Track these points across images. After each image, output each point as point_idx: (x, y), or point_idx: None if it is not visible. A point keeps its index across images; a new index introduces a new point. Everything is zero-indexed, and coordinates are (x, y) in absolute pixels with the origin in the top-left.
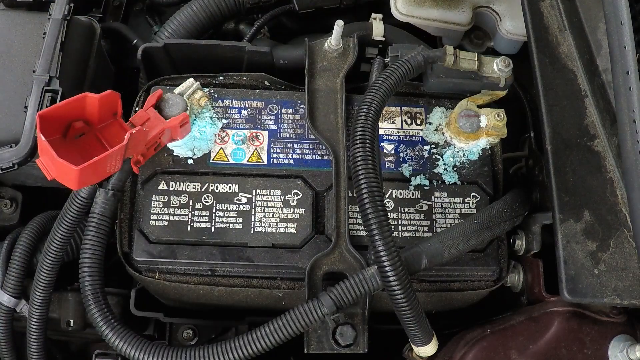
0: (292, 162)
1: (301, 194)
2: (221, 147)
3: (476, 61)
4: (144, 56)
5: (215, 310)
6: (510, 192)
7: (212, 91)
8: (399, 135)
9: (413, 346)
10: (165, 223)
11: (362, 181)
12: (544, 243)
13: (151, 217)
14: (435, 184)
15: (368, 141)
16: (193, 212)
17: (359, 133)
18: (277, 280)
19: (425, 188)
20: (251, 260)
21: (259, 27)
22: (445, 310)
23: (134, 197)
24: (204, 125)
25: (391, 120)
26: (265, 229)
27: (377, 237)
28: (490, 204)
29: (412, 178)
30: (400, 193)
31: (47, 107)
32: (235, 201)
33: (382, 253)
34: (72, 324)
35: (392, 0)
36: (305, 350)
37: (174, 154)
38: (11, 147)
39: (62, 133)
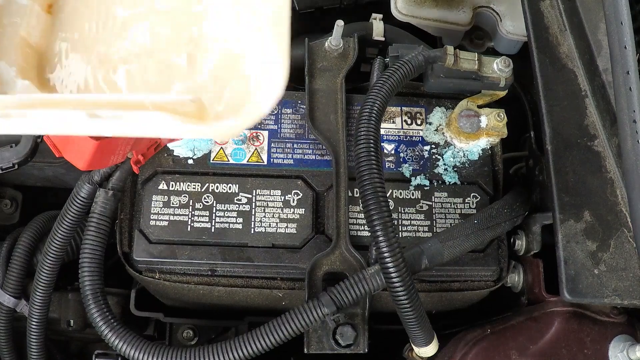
0: (292, 162)
1: (301, 194)
2: (221, 147)
3: (476, 61)
4: None
5: (215, 310)
6: (510, 192)
7: None
8: (399, 136)
9: (414, 346)
10: (166, 223)
11: (366, 181)
12: (544, 243)
13: (151, 217)
14: (435, 184)
15: (372, 141)
16: (193, 212)
17: (362, 133)
18: (277, 280)
19: (426, 188)
20: (251, 260)
21: None
22: (445, 310)
23: (134, 197)
24: None
25: (391, 120)
26: (265, 229)
27: (380, 237)
28: (491, 204)
29: (412, 178)
30: (401, 193)
31: None
32: (235, 201)
33: (385, 253)
34: (72, 324)
35: (392, 0)
36: (305, 350)
37: (174, 154)
38: (11, 147)
39: None
